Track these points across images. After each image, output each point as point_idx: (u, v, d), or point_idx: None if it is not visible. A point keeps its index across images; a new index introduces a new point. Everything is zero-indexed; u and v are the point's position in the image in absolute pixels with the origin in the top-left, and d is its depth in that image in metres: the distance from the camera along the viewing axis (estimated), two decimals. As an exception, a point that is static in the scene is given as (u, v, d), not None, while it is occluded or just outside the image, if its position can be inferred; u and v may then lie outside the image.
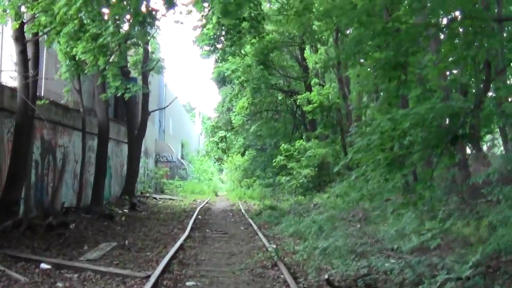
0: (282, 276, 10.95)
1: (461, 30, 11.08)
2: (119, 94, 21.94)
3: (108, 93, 21.85)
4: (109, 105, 23.90)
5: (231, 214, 26.60)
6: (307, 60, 36.39)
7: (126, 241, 15.18)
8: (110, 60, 19.12)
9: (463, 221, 11.68)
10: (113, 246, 14.33)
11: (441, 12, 12.07)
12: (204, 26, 21.69)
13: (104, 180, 23.18)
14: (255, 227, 19.33)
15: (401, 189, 13.43)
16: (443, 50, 12.46)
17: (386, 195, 13.53)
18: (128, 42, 19.15)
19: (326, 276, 10.09)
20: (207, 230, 19.27)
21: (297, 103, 39.26)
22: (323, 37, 32.80)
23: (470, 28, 10.35)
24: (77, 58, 17.71)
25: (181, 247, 14.44)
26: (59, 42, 17.02)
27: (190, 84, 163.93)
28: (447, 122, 10.93)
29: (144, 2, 13.64)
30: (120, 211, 22.90)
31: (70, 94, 21.28)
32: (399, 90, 14.32)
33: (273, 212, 23.52)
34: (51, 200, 19.32)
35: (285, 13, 28.51)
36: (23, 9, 14.66)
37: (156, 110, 34.90)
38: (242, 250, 14.75)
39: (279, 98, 45.68)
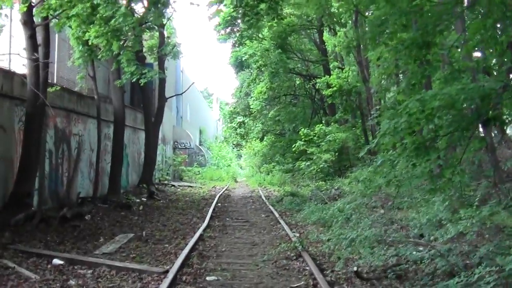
0: (307, 268, 10.30)
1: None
2: (134, 80, 21.22)
3: (123, 79, 21.18)
4: (124, 92, 23.27)
5: (251, 201, 25.89)
6: (326, 43, 35.55)
7: (144, 232, 14.54)
8: (125, 44, 18.57)
9: (497, 208, 10.95)
10: (130, 237, 13.69)
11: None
12: (220, 1, 20.69)
13: (121, 168, 22.62)
14: (277, 215, 18.60)
15: (430, 174, 12.72)
16: (470, 29, 11.78)
17: (416, 181, 12.75)
18: (143, 26, 18.57)
19: (354, 268, 9.40)
20: (227, 219, 18.56)
21: (316, 87, 38.54)
22: (342, 19, 31.88)
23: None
24: (90, 43, 17.29)
25: (200, 237, 13.76)
26: (70, 27, 16.39)
27: (207, 70, 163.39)
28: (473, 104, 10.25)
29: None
30: (138, 200, 22.33)
31: (84, 81, 20.70)
32: (425, 71, 13.68)
33: (294, 198, 22.82)
34: (67, 190, 18.72)
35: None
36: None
37: (173, 96, 34.07)
38: (264, 240, 14.05)
39: (297, 82, 45.03)
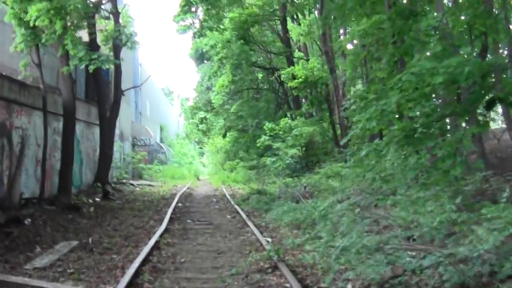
0: (287, 285, 8.12)
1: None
2: (82, 67, 18.83)
3: (71, 65, 18.65)
4: (74, 82, 20.72)
5: (214, 200, 23.61)
6: (290, 33, 33.68)
7: (90, 239, 12.11)
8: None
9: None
10: (72, 246, 11.34)
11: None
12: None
13: (71, 166, 20.15)
14: (244, 215, 16.40)
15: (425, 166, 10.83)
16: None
17: (410, 174, 10.81)
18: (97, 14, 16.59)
19: (349, 287, 7.23)
20: (188, 221, 16.26)
21: (280, 80, 36.75)
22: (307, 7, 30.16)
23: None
24: (32, 24, 15.43)
25: (156, 245, 11.45)
26: (5, 3, 14.10)
27: (167, 65, 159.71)
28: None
29: None
30: (90, 201, 19.95)
31: (28, 69, 18.32)
32: (410, 47, 12.16)
33: (261, 197, 20.67)
34: (8, 190, 16.16)
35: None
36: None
37: (130, 88, 31.36)
38: (231, 247, 11.82)
39: (260, 76, 43.20)
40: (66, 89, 19.72)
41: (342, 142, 15.84)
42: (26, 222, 13.64)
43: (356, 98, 25.71)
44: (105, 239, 12.34)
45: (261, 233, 13.01)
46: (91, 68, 18.80)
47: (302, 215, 13.61)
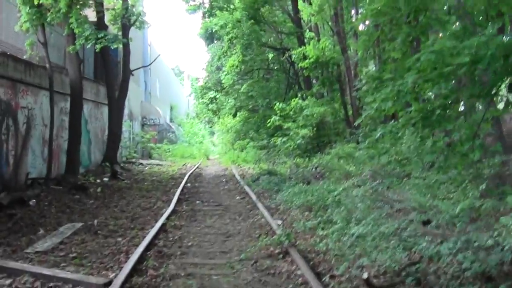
0: (298, 272, 7.70)
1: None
2: (89, 46, 18.43)
3: (77, 44, 18.20)
4: (82, 61, 20.31)
5: (224, 180, 23.19)
6: (301, 13, 32.91)
7: (95, 221, 11.78)
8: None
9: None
10: (76, 228, 10.99)
11: None
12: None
13: (79, 146, 19.86)
14: (254, 197, 15.85)
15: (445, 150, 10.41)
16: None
17: (428, 157, 10.32)
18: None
19: (364, 276, 6.80)
20: (197, 202, 15.87)
21: (292, 60, 36.02)
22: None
23: None
24: (37, 2, 15.33)
25: (162, 227, 11.07)
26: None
27: (177, 45, 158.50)
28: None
29: None
30: (98, 181, 19.63)
31: (34, 48, 17.94)
32: (426, 26, 11.55)
33: (272, 177, 20.09)
34: (14, 170, 15.86)
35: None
36: None
37: (139, 68, 30.80)
38: (241, 229, 11.43)
39: (271, 57, 42.38)
40: (73, 68, 19.38)
41: (356, 123, 15.35)
42: (31, 203, 13.34)
43: (369, 78, 25.22)
44: (110, 221, 12.01)
45: (272, 215, 12.60)
46: (98, 47, 18.45)
47: (314, 197, 13.16)
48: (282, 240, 9.11)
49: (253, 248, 9.20)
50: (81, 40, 17.77)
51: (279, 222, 11.72)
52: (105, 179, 20.62)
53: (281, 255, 8.68)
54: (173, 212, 13.28)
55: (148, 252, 8.82)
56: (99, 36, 18.13)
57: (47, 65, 17.47)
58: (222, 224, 12.09)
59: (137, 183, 20.69)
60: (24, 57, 17.47)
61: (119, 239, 10.08)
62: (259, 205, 14.11)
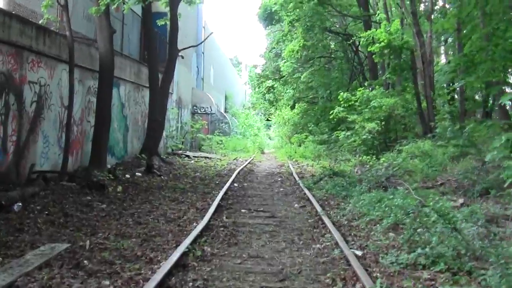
0: None
1: None
2: (114, 6, 14.63)
3: (101, 5, 14.34)
4: (114, 32, 16.48)
5: (279, 179, 19.01)
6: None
7: (88, 242, 7.79)
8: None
9: None
10: (55, 253, 7.05)
11: None
12: None
13: (107, 133, 16.32)
14: (317, 206, 11.70)
15: None
16: None
17: None
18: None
19: None
20: (242, 210, 11.75)
21: (357, 47, 32.01)
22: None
23: None
24: None
25: (182, 259, 7.05)
26: None
27: (235, 32, 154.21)
28: None
29: None
30: (128, 176, 15.93)
31: (51, 11, 14.41)
32: None
33: (339, 179, 15.89)
34: (14, 161, 12.20)
35: None
36: None
37: (188, 47, 26.31)
38: (302, 265, 7.17)
39: (333, 45, 39.06)
40: (102, 39, 15.84)
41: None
42: (15, 208, 9.56)
43: (460, 61, 21.20)
44: (110, 241, 7.95)
45: (345, 238, 8.50)
46: (125, 7, 14.56)
47: (398, 210, 9.15)
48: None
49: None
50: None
51: (358, 253, 7.63)
52: (138, 173, 16.92)
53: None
54: (206, 228, 9.25)
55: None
56: (126, -4, 14.31)
57: (67, 33, 13.83)
58: (274, 253, 7.82)
59: (175, 180, 16.85)
60: (40, 22, 13.83)
61: (106, 282, 6.05)
62: (326, 220, 10.01)
